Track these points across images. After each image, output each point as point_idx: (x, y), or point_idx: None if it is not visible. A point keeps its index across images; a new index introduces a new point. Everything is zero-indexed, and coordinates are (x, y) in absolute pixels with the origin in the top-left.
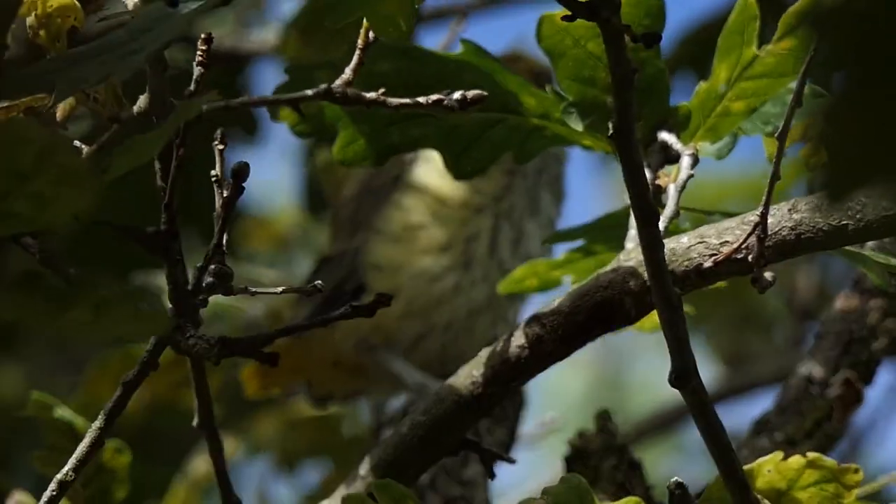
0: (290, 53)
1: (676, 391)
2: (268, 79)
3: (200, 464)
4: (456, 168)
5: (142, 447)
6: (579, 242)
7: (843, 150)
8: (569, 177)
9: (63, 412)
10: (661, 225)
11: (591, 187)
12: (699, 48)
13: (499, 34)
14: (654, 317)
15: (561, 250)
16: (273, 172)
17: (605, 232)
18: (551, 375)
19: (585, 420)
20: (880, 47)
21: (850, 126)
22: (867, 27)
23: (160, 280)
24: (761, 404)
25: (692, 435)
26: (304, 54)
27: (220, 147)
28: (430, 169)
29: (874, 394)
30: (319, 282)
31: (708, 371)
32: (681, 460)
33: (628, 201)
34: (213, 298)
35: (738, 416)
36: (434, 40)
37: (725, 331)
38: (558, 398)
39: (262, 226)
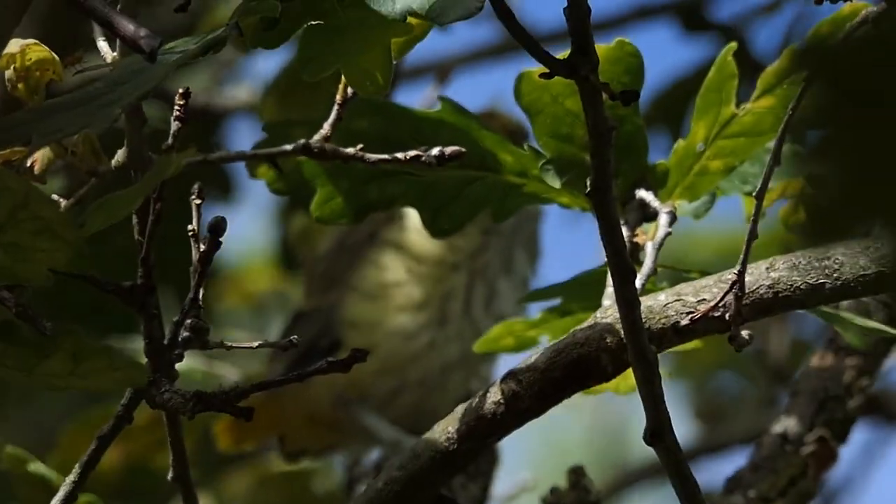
0: (268, 116)
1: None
2: (242, 136)
3: None
4: (433, 226)
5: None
6: (556, 301)
7: (828, 189)
8: (546, 234)
9: (37, 466)
10: (638, 283)
11: (568, 245)
12: (673, 105)
13: (477, 91)
14: (629, 379)
15: (537, 309)
16: (249, 231)
17: (582, 290)
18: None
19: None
20: (873, 89)
21: (835, 167)
22: (862, 68)
23: (137, 343)
24: (735, 462)
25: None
26: (282, 116)
27: (198, 202)
28: (405, 226)
29: (849, 452)
30: (295, 337)
31: (683, 427)
32: None
33: (605, 259)
34: (188, 365)
35: (713, 474)
36: (413, 98)
37: (700, 388)
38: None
39: (237, 284)
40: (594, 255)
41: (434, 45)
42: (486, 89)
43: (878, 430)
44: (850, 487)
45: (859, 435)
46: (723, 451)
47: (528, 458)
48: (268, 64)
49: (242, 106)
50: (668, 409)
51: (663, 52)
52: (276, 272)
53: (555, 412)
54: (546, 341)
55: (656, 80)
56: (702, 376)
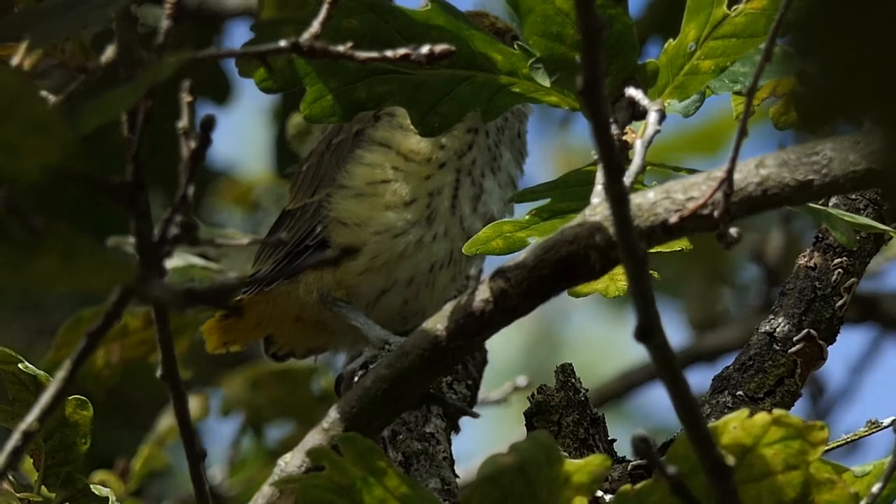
0: (266, 15)
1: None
2: (239, 40)
3: (166, 420)
4: (422, 124)
5: (114, 407)
6: (544, 201)
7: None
8: (533, 134)
9: (25, 365)
10: (628, 180)
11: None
12: (670, 11)
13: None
14: (618, 282)
15: (524, 209)
16: (245, 132)
17: (570, 190)
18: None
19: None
20: None
21: (825, 63)
22: None
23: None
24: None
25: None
26: (282, 14)
27: (188, 99)
28: (392, 125)
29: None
30: (284, 234)
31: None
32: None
33: (594, 157)
34: (186, 264)
35: (707, 380)
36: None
37: (695, 294)
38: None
39: (233, 185)
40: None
41: None
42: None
43: (874, 335)
44: (846, 391)
45: (854, 339)
46: (718, 357)
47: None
48: None
49: (239, 9)
50: (657, 307)
51: None
52: (273, 173)
53: None
54: (535, 242)
55: None
56: (697, 284)
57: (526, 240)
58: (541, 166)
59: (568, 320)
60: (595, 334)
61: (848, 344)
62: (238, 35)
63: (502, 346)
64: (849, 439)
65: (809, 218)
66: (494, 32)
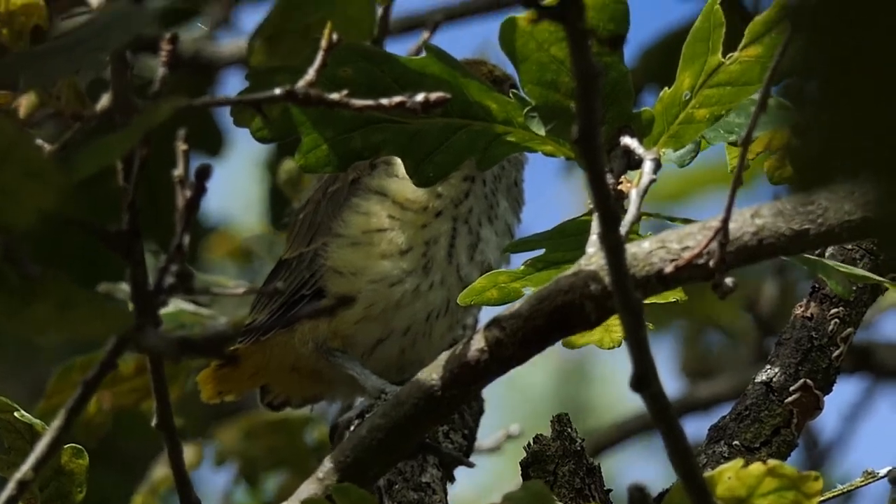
0: (256, 61)
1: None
2: (234, 88)
3: (160, 469)
4: (417, 174)
5: (105, 455)
6: (539, 251)
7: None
8: (531, 182)
9: (21, 414)
10: (623, 230)
11: (553, 193)
12: (665, 60)
13: (466, 43)
14: (613, 333)
15: (521, 259)
16: (238, 183)
17: (566, 240)
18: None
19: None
20: (856, 43)
21: (821, 116)
22: (845, 21)
23: (123, 289)
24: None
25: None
26: (271, 62)
27: (184, 148)
28: (389, 173)
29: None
30: (280, 283)
31: (672, 384)
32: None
33: (590, 207)
34: (176, 309)
35: (702, 429)
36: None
37: (689, 343)
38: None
39: (227, 238)
40: (576, 204)
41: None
42: (475, 41)
43: (867, 385)
44: (839, 440)
45: (848, 389)
46: (712, 406)
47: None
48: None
49: (233, 58)
50: (654, 357)
51: (657, 7)
52: (266, 223)
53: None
54: (530, 292)
55: (650, 35)
56: (691, 333)
57: (521, 290)
58: (539, 215)
59: (597, 354)
60: (624, 368)
61: (842, 393)
62: (232, 84)
63: (529, 380)
64: (844, 489)
65: (804, 268)
66: (492, 80)
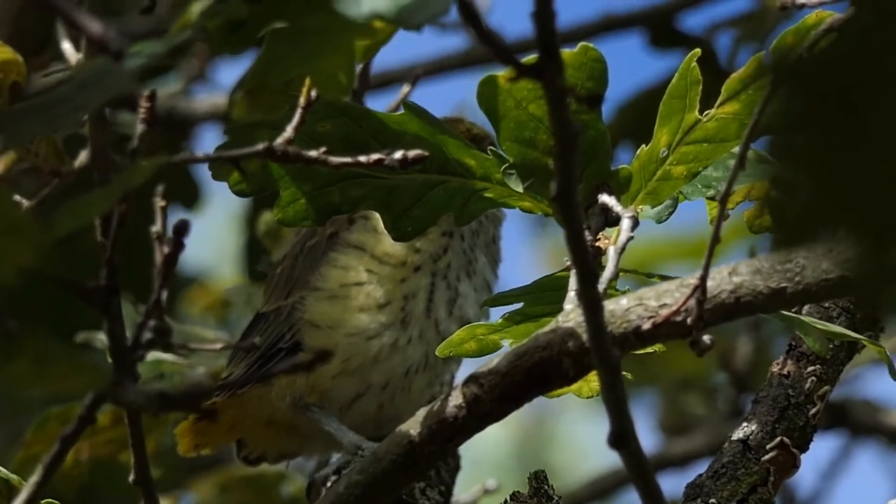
0: (237, 115)
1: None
2: (210, 144)
3: None
4: (395, 229)
5: None
6: (517, 305)
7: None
8: (507, 239)
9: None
10: (601, 287)
11: (529, 249)
12: (640, 117)
13: (444, 99)
14: (591, 383)
15: (499, 313)
16: (216, 236)
17: (543, 295)
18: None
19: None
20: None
21: (801, 176)
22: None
23: (101, 339)
24: (698, 472)
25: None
26: (251, 116)
27: (162, 204)
28: (367, 227)
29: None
30: (258, 338)
31: (647, 439)
32: None
33: (567, 263)
34: (155, 358)
35: (677, 485)
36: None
37: (665, 399)
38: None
39: (206, 290)
40: (553, 259)
41: (402, 54)
42: (454, 97)
43: (843, 441)
44: (816, 499)
45: (824, 445)
46: (688, 463)
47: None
48: (235, 74)
49: (208, 114)
50: (632, 415)
51: (633, 64)
52: (244, 276)
53: None
54: (508, 346)
55: (625, 92)
56: (667, 389)
57: (499, 342)
58: (516, 270)
59: (559, 416)
60: (586, 430)
61: (819, 450)
62: (208, 139)
63: (492, 441)
64: None
65: (779, 324)
66: (471, 138)
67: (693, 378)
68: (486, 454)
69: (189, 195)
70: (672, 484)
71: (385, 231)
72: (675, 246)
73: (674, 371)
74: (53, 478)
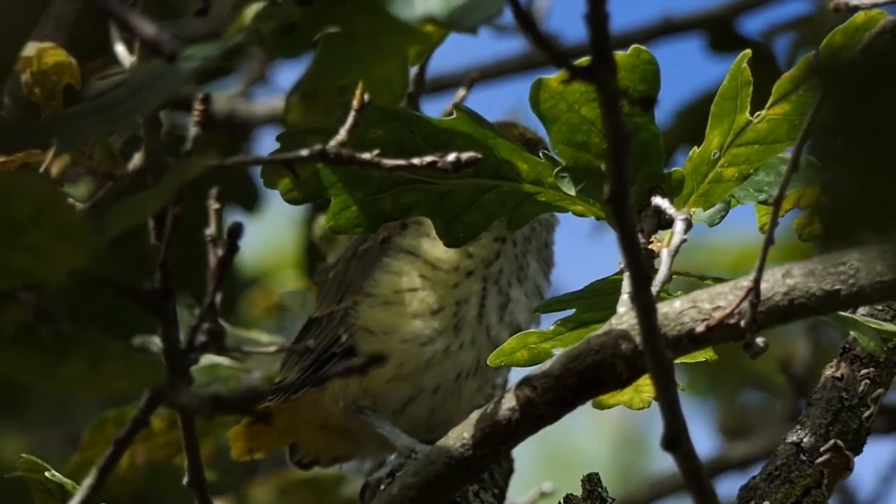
0: (292, 119)
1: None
2: (272, 146)
3: None
4: (447, 235)
5: None
6: (569, 312)
7: (842, 204)
8: (561, 242)
9: (52, 473)
10: (654, 289)
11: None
12: (698, 121)
13: (503, 103)
14: (643, 394)
15: (550, 319)
16: (276, 238)
17: (596, 300)
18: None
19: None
20: (885, 105)
21: (850, 182)
22: (875, 82)
23: (157, 343)
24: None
25: None
26: (307, 120)
27: (216, 206)
28: (420, 233)
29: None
30: (312, 341)
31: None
32: None
33: (621, 266)
34: (210, 363)
35: (736, 488)
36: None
37: (726, 402)
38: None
39: (266, 293)
40: (607, 264)
41: (460, 58)
42: (511, 101)
43: None
44: (876, 501)
45: (884, 448)
46: (747, 466)
47: (547, 466)
48: (295, 77)
49: (268, 117)
50: (685, 416)
51: (692, 69)
52: (303, 278)
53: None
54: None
55: (684, 96)
56: (728, 392)
57: (551, 351)
58: (569, 275)
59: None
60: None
61: (878, 453)
62: (268, 142)
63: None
64: None
65: (835, 327)
66: (524, 143)
67: (754, 381)
68: (582, 458)
69: (248, 198)
70: (731, 486)
71: (437, 236)
72: (724, 254)
73: (735, 374)
74: (109, 481)
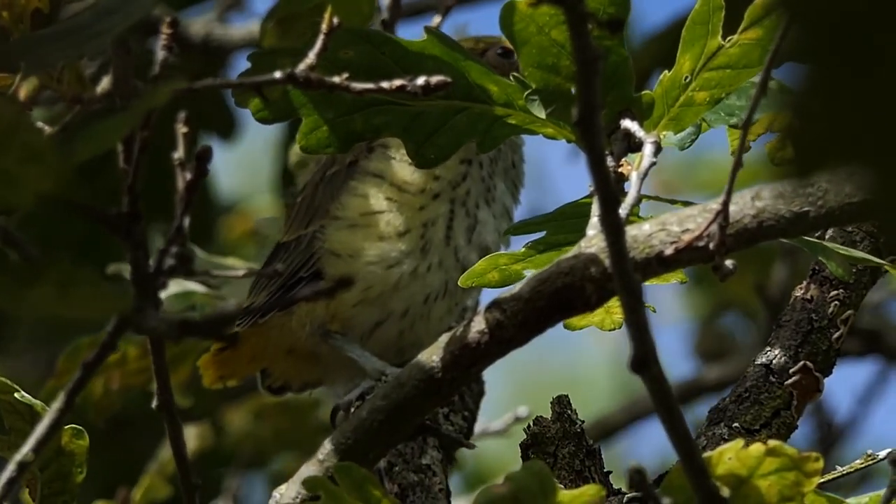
0: (267, 44)
1: None
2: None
3: (167, 449)
4: (419, 156)
5: (114, 436)
6: (541, 234)
7: (812, 129)
8: (541, 166)
9: (22, 395)
10: (623, 212)
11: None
12: (672, 46)
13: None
14: (614, 315)
15: (520, 241)
16: (254, 166)
17: (566, 222)
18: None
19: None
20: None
21: (819, 106)
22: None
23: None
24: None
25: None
26: (282, 44)
27: (184, 130)
28: (387, 155)
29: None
30: (280, 265)
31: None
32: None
33: (590, 189)
34: (185, 290)
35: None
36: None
37: (704, 325)
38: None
39: (243, 218)
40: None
41: None
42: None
43: (879, 367)
44: (853, 423)
45: (860, 371)
46: (722, 388)
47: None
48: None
49: (244, 41)
50: (654, 338)
51: None
52: (279, 204)
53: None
54: (531, 274)
55: (656, 22)
56: (705, 315)
57: (522, 272)
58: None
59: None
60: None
61: (854, 375)
62: (242, 68)
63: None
64: (843, 472)
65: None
66: (481, 53)
67: (730, 304)
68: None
69: (225, 125)
70: (706, 409)
71: (404, 159)
72: (697, 175)
73: (711, 297)
74: (84, 407)
